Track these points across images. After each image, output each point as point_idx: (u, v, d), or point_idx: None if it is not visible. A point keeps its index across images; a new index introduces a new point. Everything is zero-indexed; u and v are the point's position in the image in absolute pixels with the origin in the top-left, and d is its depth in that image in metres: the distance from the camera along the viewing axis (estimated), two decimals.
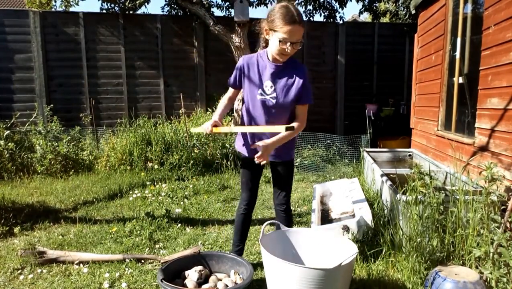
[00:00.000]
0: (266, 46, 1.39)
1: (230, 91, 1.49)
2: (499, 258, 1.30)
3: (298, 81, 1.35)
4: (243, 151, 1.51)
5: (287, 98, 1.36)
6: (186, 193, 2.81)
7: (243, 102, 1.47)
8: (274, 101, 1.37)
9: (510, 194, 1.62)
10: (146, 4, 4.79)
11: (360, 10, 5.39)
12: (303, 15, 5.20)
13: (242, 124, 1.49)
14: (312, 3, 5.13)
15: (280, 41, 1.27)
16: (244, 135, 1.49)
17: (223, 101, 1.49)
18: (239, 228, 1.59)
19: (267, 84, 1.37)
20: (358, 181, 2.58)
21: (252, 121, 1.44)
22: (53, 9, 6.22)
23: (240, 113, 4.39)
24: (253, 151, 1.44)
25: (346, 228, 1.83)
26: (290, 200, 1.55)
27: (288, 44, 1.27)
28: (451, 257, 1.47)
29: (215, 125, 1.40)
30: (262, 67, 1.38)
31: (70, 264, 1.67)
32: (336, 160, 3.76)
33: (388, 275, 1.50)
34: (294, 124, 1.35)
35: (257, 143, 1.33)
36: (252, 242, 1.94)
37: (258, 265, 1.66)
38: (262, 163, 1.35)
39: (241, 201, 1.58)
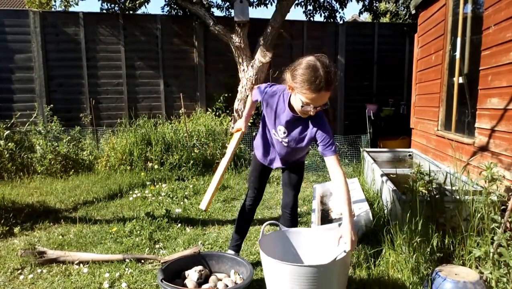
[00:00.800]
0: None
1: (249, 102, 1.58)
2: (499, 258, 1.30)
3: (311, 131, 1.29)
4: (266, 163, 1.55)
5: (298, 145, 1.36)
6: (186, 193, 2.81)
7: (262, 118, 1.48)
8: (286, 144, 1.40)
9: (510, 194, 1.62)
10: (146, 4, 4.79)
11: (360, 10, 5.39)
12: (304, 15, 5.26)
13: (262, 137, 1.51)
14: (312, 3, 5.13)
15: (302, 105, 1.19)
16: (269, 150, 1.51)
17: (248, 103, 1.58)
18: (241, 222, 1.61)
19: (281, 128, 1.36)
20: (358, 181, 2.58)
21: (268, 141, 1.49)
22: (53, 9, 6.21)
23: (240, 113, 4.41)
24: (275, 162, 1.51)
25: None
26: (298, 202, 1.57)
27: (311, 106, 1.18)
28: (451, 257, 1.47)
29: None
30: (281, 110, 1.33)
31: (70, 264, 1.67)
32: None
33: (388, 275, 1.50)
34: (338, 181, 1.18)
35: (346, 243, 1.12)
36: (252, 242, 1.94)
37: (258, 265, 1.66)
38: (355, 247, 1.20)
39: (247, 197, 1.60)
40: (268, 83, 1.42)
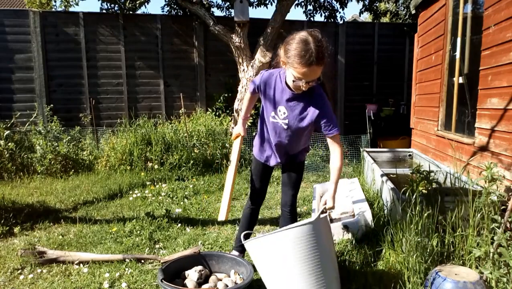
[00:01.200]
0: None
1: (247, 97, 1.52)
2: (499, 258, 1.30)
3: (313, 112, 1.29)
4: (262, 160, 1.53)
5: (299, 126, 1.34)
6: (186, 193, 2.81)
7: (260, 115, 1.47)
8: (285, 126, 1.36)
9: (510, 194, 1.63)
10: (146, 4, 4.79)
11: (360, 10, 5.39)
12: (304, 15, 5.25)
13: (260, 134, 1.51)
14: (313, 3, 5.13)
15: (294, 80, 1.21)
16: (265, 146, 1.49)
17: (245, 102, 1.54)
18: (244, 224, 1.60)
19: (281, 109, 1.34)
20: (358, 181, 2.58)
21: (266, 133, 1.46)
22: (53, 9, 6.21)
23: (240, 113, 4.40)
24: (271, 160, 1.49)
25: (346, 228, 1.83)
26: (297, 201, 1.56)
27: (303, 81, 1.19)
28: (451, 257, 1.47)
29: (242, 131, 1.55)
30: (279, 89, 1.33)
31: (70, 264, 1.67)
32: None
33: (388, 275, 1.50)
34: (335, 153, 1.28)
35: (323, 205, 1.25)
36: None
37: None
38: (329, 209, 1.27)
39: (249, 198, 1.60)
40: (261, 72, 1.41)
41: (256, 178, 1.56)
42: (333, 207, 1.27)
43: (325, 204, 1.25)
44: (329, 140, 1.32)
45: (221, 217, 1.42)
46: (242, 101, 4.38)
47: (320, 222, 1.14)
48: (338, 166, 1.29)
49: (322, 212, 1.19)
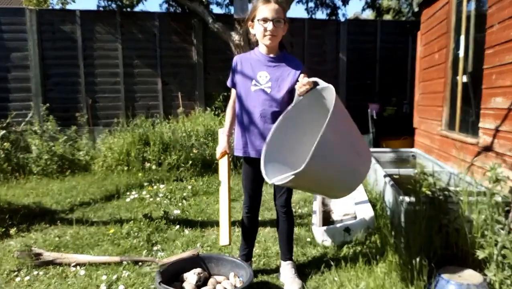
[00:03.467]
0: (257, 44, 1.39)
1: (233, 94, 1.47)
2: (503, 260, 1.28)
3: (295, 73, 1.35)
4: (246, 152, 1.46)
5: (282, 88, 1.36)
6: (184, 194, 2.78)
7: (238, 100, 1.43)
8: (269, 90, 1.36)
9: None
10: (143, 1, 4.76)
11: (362, 7, 5.36)
12: (306, 12, 5.20)
13: (240, 124, 1.45)
14: (314, 0, 5.08)
15: (260, 23, 1.29)
16: (244, 132, 1.44)
17: (228, 111, 1.49)
18: (244, 232, 1.57)
19: (262, 74, 1.37)
20: None
21: (246, 115, 1.41)
22: (49, 7, 6.14)
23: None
24: (247, 147, 1.44)
25: (348, 230, 1.80)
26: (291, 201, 1.52)
27: (270, 23, 1.28)
28: (455, 259, 1.45)
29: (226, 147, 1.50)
30: (256, 60, 1.39)
31: (67, 266, 1.64)
32: None
33: (391, 277, 1.48)
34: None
35: (302, 82, 1.22)
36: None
37: (258, 268, 1.64)
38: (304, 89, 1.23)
39: (244, 205, 1.57)
40: (234, 59, 1.43)
41: (246, 178, 1.50)
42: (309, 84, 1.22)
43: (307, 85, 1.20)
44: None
45: (224, 241, 1.39)
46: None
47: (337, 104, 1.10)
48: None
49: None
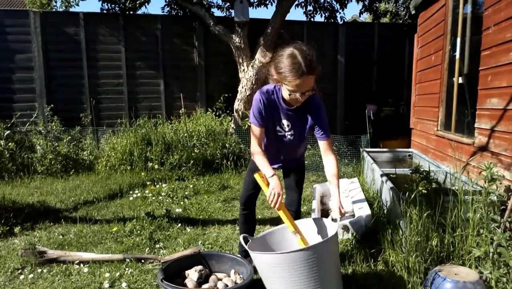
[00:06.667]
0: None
1: (257, 132, 1.35)
2: (498, 258, 1.30)
3: (311, 118, 1.36)
4: None
5: (302, 133, 1.41)
6: (186, 193, 2.81)
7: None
8: (291, 138, 1.41)
9: (509, 194, 1.63)
10: (146, 4, 4.80)
11: (360, 10, 5.40)
12: (304, 16, 5.26)
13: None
14: (313, 4, 5.13)
15: (290, 94, 1.24)
16: (267, 153, 1.45)
17: (260, 155, 1.33)
18: (242, 229, 1.61)
19: (284, 122, 1.39)
20: (358, 181, 2.58)
21: (268, 141, 1.46)
22: (53, 10, 6.22)
23: (240, 113, 4.41)
24: (273, 165, 1.45)
25: (346, 228, 1.83)
26: (301, 201, 1.59)
27: (299, 93, 1.22)
28: (451, 257, 1.48)
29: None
30: (279, 105, 1.35)
31: (71, 264, 1.67)
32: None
33: (388, 275, 1.50)
34: (331, 160, 1.34)
35: (334, 215, 1.27)
36: None
37: None
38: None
39: (240, 201, 1.60)
40: (258, 99, 1.33)
41: (250, 179, 1.53)
42: (344, 214, 1.28)
43: (341, 214, 1.24)
44: (323, 146, 1.37)
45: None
46: (242, 101, 4.36)
47: (329, 243, 1.13)
48: (336, 172, 1.33)
49: (334, 220, 1.22)
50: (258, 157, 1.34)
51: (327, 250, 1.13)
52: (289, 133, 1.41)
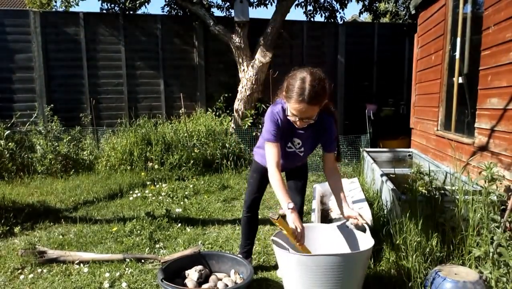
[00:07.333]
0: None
1: (274, 149, 1.30)
2: (498, 258, 1.30)
3: (322, 135, 1.39)
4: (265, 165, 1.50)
5: (312, 149, 1.46)
6: (186, 193, 2.81)
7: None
8: (302, 154, 1.45)
9: (509, 194, 1.63)
10: (146, 4, 4.79)
11: (360, 10, 5.39)
12: (304, 15, 5.25)
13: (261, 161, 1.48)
14: (313, 4, 5.13)
15: (288, 115, 1.26)
16: None
17: (278, 180, 1.24)
18: (244, 230, 1.61)
19: (295, 140, 1.41)
20: (358, 181, 2.58)
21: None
22: (53, 9, 6.21)
23: (240, 113, 4.41)
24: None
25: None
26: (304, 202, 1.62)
27: (297, 118, 1.23)
28: (451, 257, 1.48)
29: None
30: (291, 125, 1.33)
31: (71, 264, 1.67)
32: None
33: (388, 274, 1.50)
34: (338, 177, 1.39)
35: (352, 221, 1.32)
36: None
37: (258, 265, 1.67)
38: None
39: (245, 203, 1.60)
40: (273, 114, 1.31)
41: (254, 182, 1.55)
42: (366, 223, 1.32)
43: (364, 222, 1.29)
44: (329, 158, 1.40)
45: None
46: (242, 101, 4.34)
47: (365, 253, 1.14)
48: (342, 186, 1.38)
49: (363, 230, 1.26)
50: (276, 183, 1.24)
51: (361, 260, 1.14)
52: (300, 150, 1.44)
